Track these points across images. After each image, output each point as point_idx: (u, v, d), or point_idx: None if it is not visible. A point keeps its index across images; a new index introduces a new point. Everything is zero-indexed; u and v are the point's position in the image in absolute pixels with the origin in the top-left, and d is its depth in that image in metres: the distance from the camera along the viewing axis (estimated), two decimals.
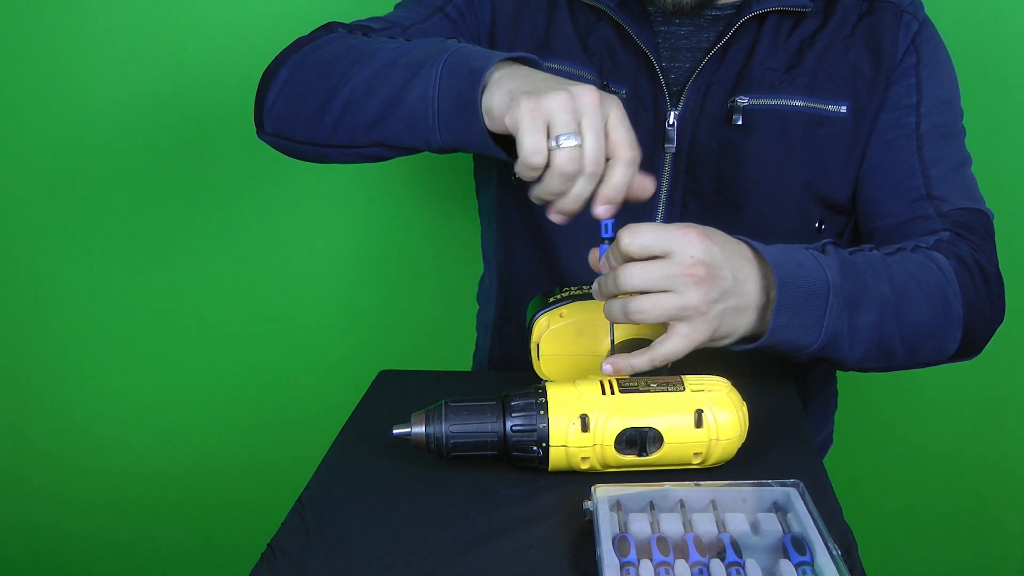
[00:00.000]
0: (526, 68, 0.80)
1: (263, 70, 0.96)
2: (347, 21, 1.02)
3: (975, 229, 0.96)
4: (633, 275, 0.73)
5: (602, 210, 0.75)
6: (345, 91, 0.87)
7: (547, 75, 0.79)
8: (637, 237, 0.74)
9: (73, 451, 1.57)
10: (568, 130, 0.73)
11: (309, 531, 0.67)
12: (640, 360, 0.76)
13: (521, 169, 0.75)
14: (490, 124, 0.77)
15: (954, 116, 1.04)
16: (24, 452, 1.58)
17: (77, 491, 1.60)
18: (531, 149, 0.73)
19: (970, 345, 0.92)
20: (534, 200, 0.77)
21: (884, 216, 1.00)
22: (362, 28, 1.00)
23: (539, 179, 0.75)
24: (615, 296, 0.76)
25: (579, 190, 0.75)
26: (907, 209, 0.99)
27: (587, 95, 0.74)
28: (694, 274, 0.73)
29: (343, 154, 0.91)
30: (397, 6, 1.08)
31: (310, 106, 0.90)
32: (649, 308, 0.73)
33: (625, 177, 0.75)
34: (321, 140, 0.91)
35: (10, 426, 1.57)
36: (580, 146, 0.73)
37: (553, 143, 0.73)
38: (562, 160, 0.73)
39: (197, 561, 1.62)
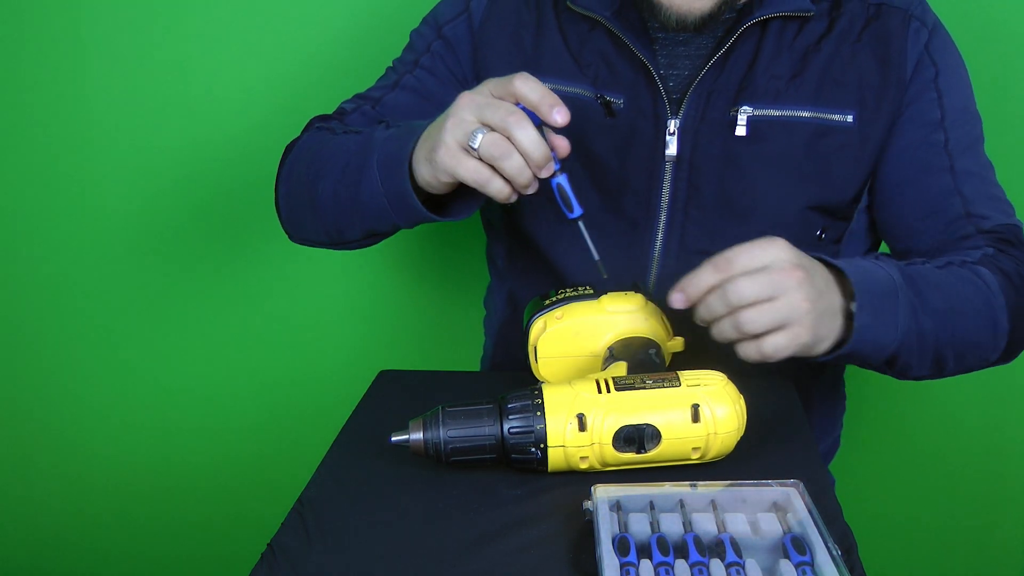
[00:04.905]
0: (426, 126, 0.84)
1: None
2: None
3: (1016, 243, 0.98)
4: (743, 287, 0.74)
5: (559, 116, 0.78)
6: (321, 202, 0.95)
7: (433, 121, 0.84)
8: (739, 258, 0.75)
9: (74, 452, 1.57)
10: (469, 131, 0.78)
11: (309, 531, 0.67)
12: (748, 348, 0.76)
13: (493, 194, 0.80)
14: (443, 189, 0.84)
15: (974, 122, 1.04)
16: (25, 456, 1.58)
17: (78, 493, 1.60)
18: (470, 175, 0.79)
19: (1010, 353, 0.94)
20: (526, 192, 0.81)
21: (921, 236, 1.00)
22: (339, 115, 1.06)
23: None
24: (723, 316, 0.76)
25: (524, 139, 0.77)
26: (946, 229, 0.99)
27: (458, 101, 0.80)
28: (795, 276, 0.75)
29: (351, 245, 0.99)
30: (387, 69, 1.11)
31: (307, 217, 0.99)
32: (759, 316, 0.74)
33: (532, 82, 0.79)
34: (332, 241, 0.99)
35: (11, 434, 1.57)
36: (486, 129, 0.78)
37: (474, 153, 0.78)
38: (487, 151, 0.78)
39: (197, 561, 1.62)
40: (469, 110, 0.78)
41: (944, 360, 0.89)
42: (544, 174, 0.80)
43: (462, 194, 0.87)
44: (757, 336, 0.75)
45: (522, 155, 0.78)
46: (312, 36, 1.35)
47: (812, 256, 0.81)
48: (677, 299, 0.77)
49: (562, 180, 0.81)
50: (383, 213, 0.89)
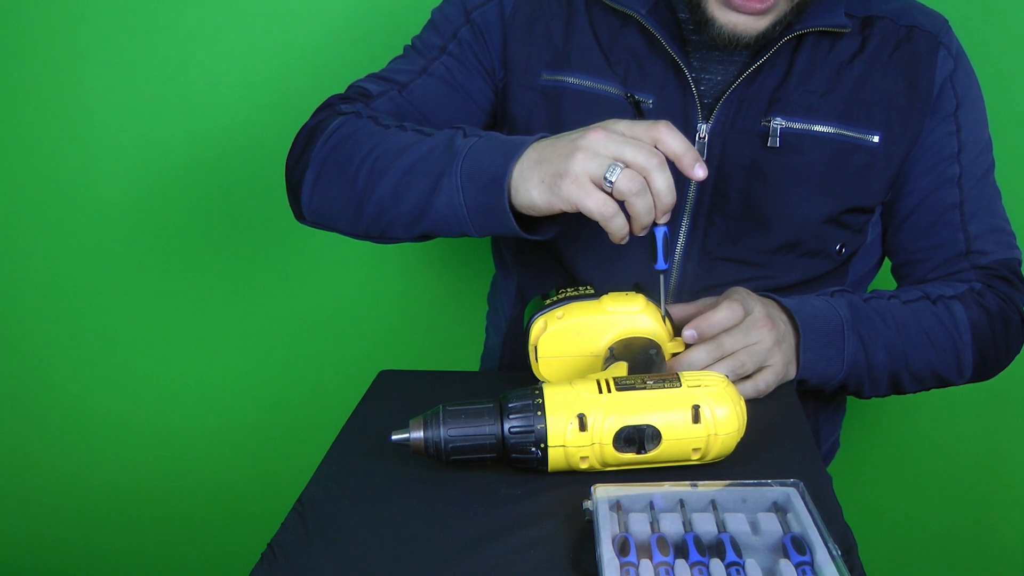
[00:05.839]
0: (538, 144, 0.82)
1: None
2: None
3: (1008, 279, 1.02)
4: (736, 338, 0.85)
5: (701, 171, 0.79)
6: (374, 198, 0.90)
7: (555, 139, 0.82)
8: (724, 315, 0.85)
9: (74, 452, 1.57)
10: (605, 167, 0.77)
11: (309, 531, 0.67)
12: (744, 387, 0.86)
13: (613, 231, 0.80)
14: (540, 213, 0.82)
15: (987, 152, 1.05)
16: (25, 456, 1.58)
17: (78, 493, 1.60)
18: (597, 208, 0.78)
19: (980, 378, 1.02)
20: (639, 234, 0.81)
21: (920, 265, 1.05)
22: (361, 96, 1.01)
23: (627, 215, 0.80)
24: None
25: (661, 182, 0.78)
26: (943, 264, 1.03)
27: (592, 134, 0.78)
28: (765, 324, 0.86)
29: (389, 242, 0.95)
30: (406, 48, 1.08)
31: (346, 208, 0.94)
32: (748, 358, 0.85)
33: (678, 133, 0.80)
34: (362, 234, 0.95)
35: (11, 434, 1.57)
36: (624, 166, 0.77)
37: (606, 185, 0.77)
38: (623, 185, 0.77)
39: (197, 561, 1.62)
40: (604, 146, 0.78)
41: (901, 385, 0.98)
42: (662, 220, 0.81)
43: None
44: (748, 376, 0.86)
45: (653, 197, 0.78)
46: (313, 30, 1.35)
47: (764, 295, 0.91)
48: (689, 336, 0.85)
49: (667, 231, 0.82)
50: (457, 221, 0.86)
